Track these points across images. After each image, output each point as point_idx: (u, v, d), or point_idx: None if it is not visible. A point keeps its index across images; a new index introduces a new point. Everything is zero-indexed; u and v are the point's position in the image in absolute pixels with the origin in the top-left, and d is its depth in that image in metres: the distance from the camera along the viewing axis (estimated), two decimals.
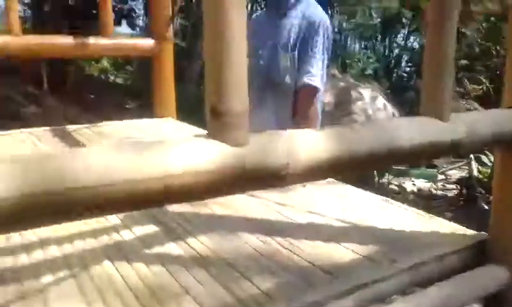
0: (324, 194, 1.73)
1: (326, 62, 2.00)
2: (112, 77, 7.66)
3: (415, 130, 1.02)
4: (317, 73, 1.95)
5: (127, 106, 7.22)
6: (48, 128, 2.59)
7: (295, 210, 1.58)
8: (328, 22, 2.01)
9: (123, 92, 7.45)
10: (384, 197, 1.72)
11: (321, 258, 1.27)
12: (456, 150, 1.15)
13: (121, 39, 3.13)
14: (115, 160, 0.70)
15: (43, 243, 1.32)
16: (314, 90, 1.97)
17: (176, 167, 0.72)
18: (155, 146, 0.75)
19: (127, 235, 1.39)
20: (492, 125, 1.17)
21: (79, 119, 5.85)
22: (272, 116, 2.03)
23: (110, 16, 2.81)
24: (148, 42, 2.87)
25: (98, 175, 0.67)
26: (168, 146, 0.75)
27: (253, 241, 1.37)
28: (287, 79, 1.98)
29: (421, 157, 1.34)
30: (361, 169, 1.06)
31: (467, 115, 1.19)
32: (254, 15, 2.21)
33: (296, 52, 1.96)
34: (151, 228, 1.44)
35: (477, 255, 1.30)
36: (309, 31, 1.95)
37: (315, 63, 1.94)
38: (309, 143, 0.87)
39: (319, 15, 1.99)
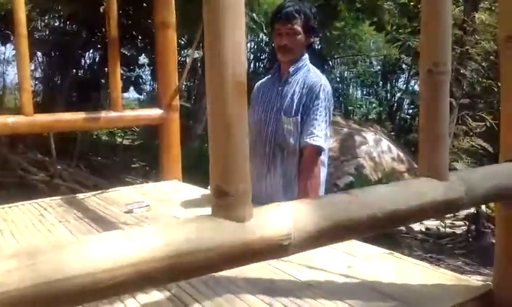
0: (327, 250, 1.72)
1: (328, 122, 2.09)
2: (119, 139, 7.82)
3: (413, 193, 1.05)
4: (320, 134, 2.04)
5: (133, 166, 7.33)
6: (55, 198, 2.64)
7: (299, 269, 1.58)
8: (328, 85, 2.13)
9: (130, 153, 7.58)
10: (389, 251, 1.71)
11: None
12: (456, 209, 1.17)
13: (130, 111, 3.28)
14: (119, 246, 0.74)
15: None
16: (318, 149, 2.05)
17: (186, 247, 0.77)
18: (164, 226, 0.80)
19: (131, 304, 1.38)
20: (491, 180, 1.20)
21: (87, 182, 5.95)
22: (279, 177, 2.13)
23: (119, 90, 2.94)
24: (155, 112, 2.99)
25: (102, 261, 0.71)
26: (176, 227, 0.81)
27: (257, 303, 1.36)
28: (291, 141, 2.09)
29: (421, 218, 1.36)
30: (361, 234, 1.08)
31: (465, 173, 1.21)
32: (258, 83, 2.35)
33: (299, 116, 2.06)
34: (155, 295, 1.43)
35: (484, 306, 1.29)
36: (310, 96, 2.08)
37: (318, 125, 2.04)
38: (310, 213, 0.91)
39: (319, 80, 2.11)
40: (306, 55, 2.20)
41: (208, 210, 0.86)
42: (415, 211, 1.03)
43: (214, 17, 0.80)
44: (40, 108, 2.71)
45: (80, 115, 2.80)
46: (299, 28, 2.11)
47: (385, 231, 1.75)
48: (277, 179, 2.14)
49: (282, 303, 1.35)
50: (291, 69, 2.15)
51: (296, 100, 2.10)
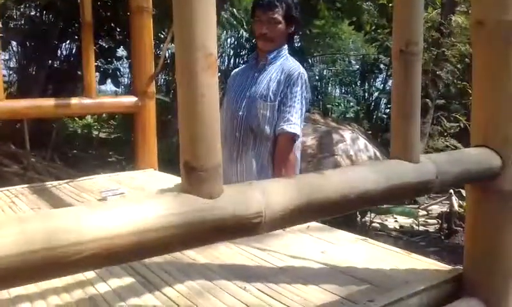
0: (303, 237, 1.74)
1: (304, 111, 2.10)
2: (95, 132, 7.70)
3: (383, 174, 1.06)
4: (296, 121, 2.04)
5: (110, 159, 7.22)
6: (27, 185, 2.58)
7: (274, 255, 1.58)
8: (306, 75, 2.13)
9: (107, 146, 7.47)
10: (363, 237, 1.73)
11: (301, 302, 1.26)
12: (426, 191, 1.18)
13: (104, 98, 3.21)
14: (85, 220, 0.71)
15: (15, 301, 1.28)
16: (293, 137, 2.05)
17: (151, 222, 0.74)
18: (129, 202, 0.78)
19: (102, 288, 1.36)
20: (461, 164, 1.22)
21: (62, 175, 5.84)
22: (252, 164, 2.11)
23: (93, 76, 2.88)
24: (130, 99, 2.94)
25: (72, 234, 0.68)
26: (141, 201, 0.78)
27: (231, 288, 1.36)
28: (266, 127, 2.07)
29: (391, 199, 1.38)
30: (332, 214, 1.09)
31: (436, 156, 1.23)
32: (234, 71, 2.34)
33: (276, 103, 2.05)
34: (127, 280, 1.41)
35: (454, 290, 1.31)
36: (288, 82, 2.07)
37: (295, 112, 2.04)
38: (281, 192, 0.90)
39: (298, 67, 2.11)
40: (286, 46, 2.21)
41: None
42: (385, 192, 1.04)
43: None
44: (13, 98, 2.63)
45: (52, 101, 2.73)
46: (279, 17, 2.11)
47: (356, 210, 1.77)
48: (248, 164, 2.13)
49: (256, 287, 1.35)
50: (270, 56, 2.14)
51: (272, 86, 2.09)
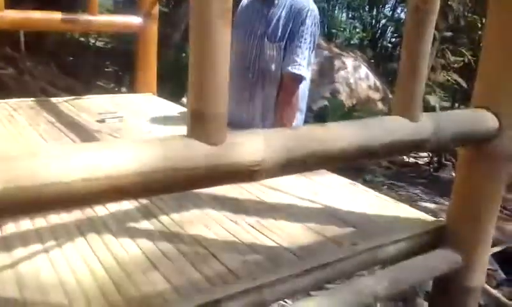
0: (298, 177, 1.78)
1: (312, 50, 2.04)
2: (92, 41, 7.49)
3: (383, 131, 1.09)
4: (302, 62, 1.99)
5: (106, 69, 7.11)
6: (26, 99, 2.57)
7: (265, 191, 1.64)
8: (316, 10, 2.04)
9: (103, 55, 7.31)
10: (353, 182, 1.78)
11: (288, 239, 1.33)
12: (423, 148, 1.21)
13: (107, 16, 3.15)
14: (95, 156, 0.75)
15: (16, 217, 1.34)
16: (299, 78, 2.02)
17: (157, 164, 0.79)
18: (138, 143, 0.81)
19: (100, 211, 1.42)
20: (459, 126, 1.24)
21: (57, 81, 5.78)
22: (259, 104, 2.10)
23: None
24: (133, 19, 2.87)
25: (75, 170, 0.72)
26: (149, 143, 0.81)
27: (222, 220, 1.42)
28: (273, 68, 2.04)
29: (390, 154, 1.41)
30: (330, 165, 1.12)
31: (437, 115, 1.24)
32: (242, 3, 2.23)
33: (283, 42, 1.99)
34: (125, 205, 1.47)
35: (434, 240, 1.38)
36: (296, 20, 1.99)
37: (301, 52, 1.99)
38: (282, 142, 0.93)
39: (307, 4, 2.01)
40: None
41: (182, 129, 0.87)
42: (383, 148, 1.06)
43: None
44: (8, 2, 2.52)
45: (53, 15, 2.65)
46: None
47: (352, 163, 1.81)
48: (257, 106, 2.12)
49: (246, 222, 1.42)
50: None
51: (281, 25, 2.02)
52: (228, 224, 1.40)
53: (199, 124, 0.83)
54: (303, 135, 0.99)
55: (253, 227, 1.39)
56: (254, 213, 1.47)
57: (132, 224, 1.36)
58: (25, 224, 1.31)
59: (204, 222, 1.40)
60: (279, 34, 2.02)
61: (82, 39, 7.39)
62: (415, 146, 1.14)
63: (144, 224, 1.37)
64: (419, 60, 1.09)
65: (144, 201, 1.50)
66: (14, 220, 1.33)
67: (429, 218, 1.50)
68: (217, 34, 0.79)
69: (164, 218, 1.41)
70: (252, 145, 0.89)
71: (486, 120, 1.25)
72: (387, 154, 1.26)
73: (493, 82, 1.28)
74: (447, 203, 1.48)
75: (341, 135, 1.02)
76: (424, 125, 1.13)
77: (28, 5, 3.09)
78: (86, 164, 0.73)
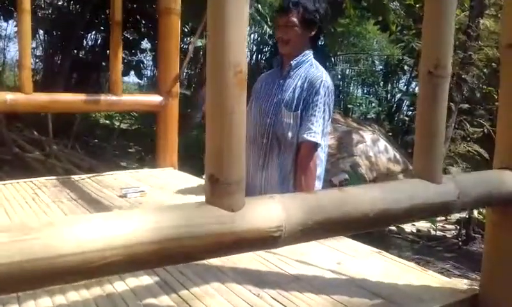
0: (319, 246, 1.74)
1: (327, 119, 2.10)
2: (117, 123, 7.81)
3: (405, 193, 1.07)
4: (317, 130, 2.05)
5: (130, 150, 7.32)
6: (50, 178, 2.64)
7: (288, 262, 1.59)
8: (330, 82, 2.13)
9: (127, 137, 7.57)
10: (377, 249, 1.73)
11: None
12: (447, 211, 1.18)
13: (129, 96, 3.31)
14: (111, 225, 0.74)
15: (36, 294, 1.32)
16: (314, 145, 2.07)
17: (173, 231, 0.78)
18: (152, 210, 0.81)
19: (120, 287, 1.40)
20: (483, 186, 1.21)
21: (83, 164, 5.95)
22: (277, 172, 2.14)
23: (119, 74, 2.94)
24: (154, 98, 3.00)
25: (94, 241, 0.72)
26: (164, 209, 0.81)
27: (244, 293, 1.37)
28: (290, 135, 2.10)
29: (412, 218, 1.38)
30: (351, 231, 1.10)
31: (459, 177, 1.22)
32: (261, 76, 2.37)
33: (299, 111, 2.07)
34: (145, 280, 1.44)
35: None
36: (311, 91, 2.09)
37: (316, 121, 2.05)
38: (302, 206, 0.92)
39: (320, 75, 2.11)
40: (310, 51, 2.20)
41: (202, 198, 0.87)
42: (405, 211, 1.04)
43: (217, 7, 0.80)
44: (38, 87, 2.69)
45: (79, 96, 2.80)
46: (295, 20, 2.11)
47: (375, 229, 1.76)
48: (273, 172, 2.15)
49: (269, 294, 1.36)
50: (293, 62, 2.15)
51: (296, 95, 2.10)
52: (250, 298, 1.35)
53: (216, 190, 0.82)
54: (323, 199, 0.97)
55: (277, 300, 1.33)
56: (277, 286, 1.42)
57: (152, 300, 1.32)
58: (45, 301, 1.29)
59: (226, 296, 1.35)
60: (295, 102, 2.10)
61: (107, 121, 7.70)
62: (440, 208, 1.11)
63: (164, 300, 1.33)
64: (436, 123, 1.09)
65: (163, 274, 1.47)
66: (33, 295, 1.31)
67: (461, 286, 1.43)
68: (233, 99, 0.81)
69: (184, 292, 1.37)
70: (271, 210, 0.87)
71: (510, 180, 1.22)
72: (410, 218, 1.22)
73: None
74: (479, 278, 1.41)
75: (362, 199, 1.00)
76: (447, 186, 1.11)
77: (59, 89, 3.27)
78: (102, 234, 0.72)
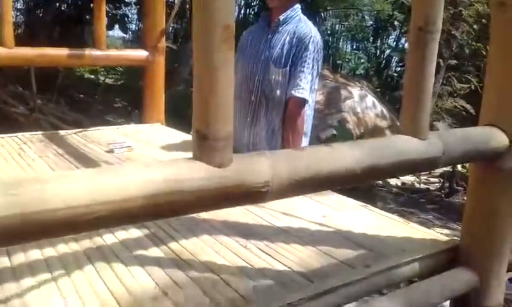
0: (306, 200, 1.77)
1: (316, 75, 2.08)
2: (102, 78, 7.66)
3: (391, 150, 1.08)
4: (305, 86, 2.03)
5: (115, 105, 7.23)
6: (36, 133, 2.61)
7: (276, 215, 1.62)
8: (318, 37, 2.09)
9: (113, 92, 7.45)
10: (363, 203, 1.77)
11: (299, 263, 1.30)
12: (432, 167, 1.20)
13: (114, 51, 3.24)
14: (100, 180, 0.74)
15: (25, 247, 1.33)
16: (302, 102, 2.05)
17: (161, 186, 0.78)
18: (142, 166, 0.81)
19: (109, 239, 1.41)
20: (468, 142, 1.23)
21: (68, 118, 5.87)
22: (264, 129, 2.13)
23: (104, 28, 2.86)
24: (140, 53, 2.93)
25: (83, 195, 0.72)
26: (153, 165, 0.81)
27: (233, 245, 1.40)
28: (278, 93, 2.08)
29: (398, 174, 1.40)
30: (338, 186, 1.11)
31: (444, 133, 1.23)
32: (247, 30, 2.31)
33: (288, 68, 2.04)
34: (134, 232, 1.46)
35: (449, 260, 1.35)
36: (299, 46, 2.05)
37: (304, 77, 2.03)
38: (290, 162, 0.93)
39: (309, 31, 2.07)
40: (298, 6, 2.16)
41: (190, 155, 0.87)
42: (392, 167, 1.05)
43: None
44: (20, 41, 2.60)
45: (63, 51, 2.72)
46: None
47: (362, 184, 1.79)
48: (261, 129, 2.14)
49: (257, 246, 1.40)
50: (281, 17, 2.10)
51: (285, 51, 2.07)
52: (239, 249, 1.38)
53: (203, 145, 0.82)
54: (311, 155, 0.98)
55: (264, 252, 1.37)
56: (265, 238, 1.45)
57: (142, 252, 1.35)
58: (34, 253, 1.31)
59: (215, 248, 1.38)
60: (283, 59, 2.06)
61: (92, 76, 7.55)
62: (425, 164, 1.13)
63: (154, 252, 1.36)
64: (424, 79, 1.09)
65: (153, 228, 1.49)
66: (22, 248, 1.33)
67: (442, 238, 1.48)
68: (220, 56, 0.79)
69: (173, 245, 1.39)
70: (259, 166, 0.88)
71: (495, 137, 1.25)
72: (396, 174, 1.24)
73: (499, 100, 1.28)
74: (460, 228, 1.46)
75: (349, 155, 1.01)
76: (433, 143, 1.12)
77: (41, 43, 3.17)
78: (89, 188, 0.72)
